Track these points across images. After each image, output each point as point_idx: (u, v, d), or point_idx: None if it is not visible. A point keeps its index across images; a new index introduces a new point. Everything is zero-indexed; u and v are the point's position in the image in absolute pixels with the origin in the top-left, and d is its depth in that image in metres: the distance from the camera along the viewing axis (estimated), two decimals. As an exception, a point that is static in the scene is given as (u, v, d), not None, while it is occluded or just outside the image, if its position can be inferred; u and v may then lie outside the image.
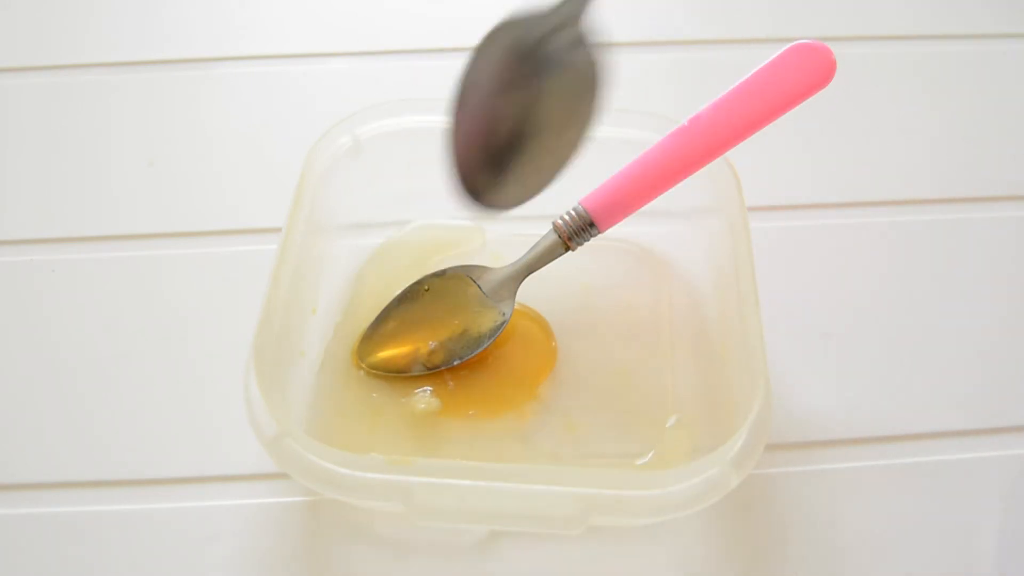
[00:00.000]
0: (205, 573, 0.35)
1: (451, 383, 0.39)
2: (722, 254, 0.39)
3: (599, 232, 0.38)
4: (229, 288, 0.44)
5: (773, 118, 0.36)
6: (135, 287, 0.44)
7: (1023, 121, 0.52)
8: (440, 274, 0.41)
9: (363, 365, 0.39)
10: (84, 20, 0.57)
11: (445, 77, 0.54)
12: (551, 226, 0.39)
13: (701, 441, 0.37)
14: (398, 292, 0.41)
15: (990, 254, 0.45)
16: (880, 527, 0.36)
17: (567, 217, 0.38)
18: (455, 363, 0.39)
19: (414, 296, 0.41)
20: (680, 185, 0.37)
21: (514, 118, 0.34)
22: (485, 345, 0.39)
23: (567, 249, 0.39)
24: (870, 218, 0.47)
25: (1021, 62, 0.55)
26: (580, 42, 0.33)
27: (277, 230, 0.37)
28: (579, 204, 0.38)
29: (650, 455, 0.37)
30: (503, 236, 0.44)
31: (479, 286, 0.40)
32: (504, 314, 0.40)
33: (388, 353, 0.40)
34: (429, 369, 0.39)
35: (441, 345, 0.40)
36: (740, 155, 0.38)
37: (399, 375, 0.39)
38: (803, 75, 0.36)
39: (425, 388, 0.39)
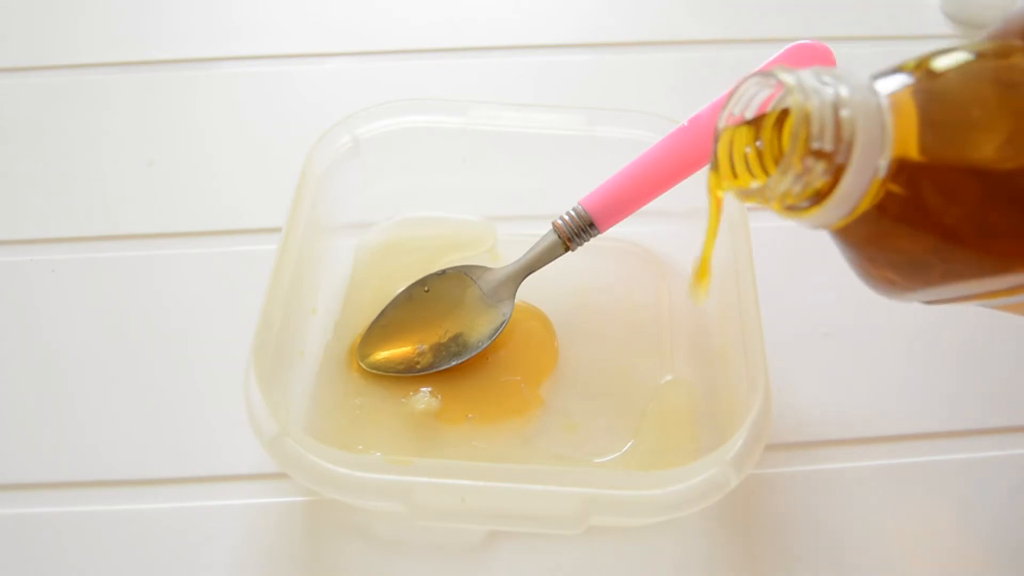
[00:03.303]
0: (205, 573, 0.35)
1: (450, 385, 0.39)
2: (722, 254, 0.39)
3: (599, 232, 0.38)
4: (229, 288, 0.44)
5: (773, 118, 0.36)
6: (135, 287, 0.44)
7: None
8: (440, 274, 0.41)
9: (363, 365, 0.39)
10: (85, 20, 0.57)
11: (445, 77, 0.54)
12: (551, 226, 0.39)
13: (701, 440, 0.37)
14: (398, 292, 0.41)
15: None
16: (880, 527, 0.36)
17: (567, 217, 0.38)
18: (454, 363, 0.39)
19: (414, 296, 0.41)
20: (680, 185, 0.37)
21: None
22: (484, 345, 0.39)
23: (567, 249, 0.39)
24: (870, 218, 0.47)
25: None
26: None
27: (277, 230, 0.37)
28: (579, 204, 0.38)
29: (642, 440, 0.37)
30: (504, 236, 0.44)
31: (479, 286, 0.40)
32: (504, 314, 0.40)
33: (388, 353, 0.40)
34: (428, 369, 0.39)
35: (440, 345, 0.40)
36: (740, 155, 0.38)
37: (399, 375, 0.39)
38: (803, 75, 0.36)
39: (425, 388, 0.39)
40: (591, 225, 0.38)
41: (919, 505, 0.37)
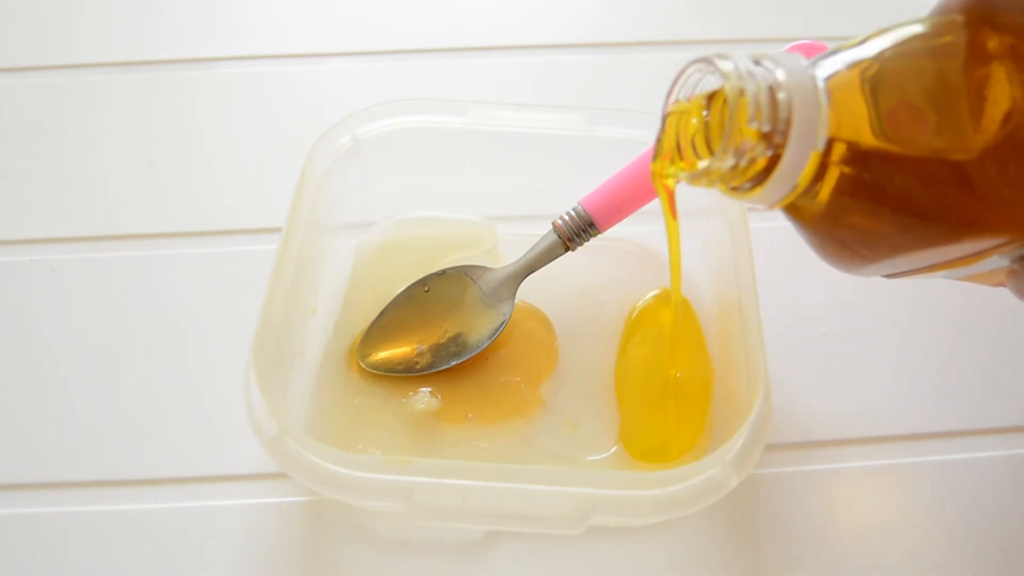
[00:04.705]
0: (205, 573, 0.35)
1: (450, 386, 0.39)
2: (722, 254, 0.39)
3: (599, 232, 0.38)
4: (229, 288, 0.44)
5: (773, 118, 0.36)
6: (135, 287, 0.44)
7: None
8: (440, 274, 0.41)
9: (363, 365, 0.39)
10: (85, 20, 0.57)
11: (445, 77, 0.54)
12: (551, 226, 0.39)
13: (701, 440, 0.37)
14: (398, 292, 0.41)
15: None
16: (879, 527, 0.36)
17: (567, 217, 0.38)
18: (454, 363, 0.39)
19: (414, 296, 0.41)
20: (680, 185, 0.37)
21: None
22: (484, 346, 0.39)
23: (567, 249, 0.39)
24: (870, 218, 0.47)
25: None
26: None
27: (277, 230, 0.37)
28: (579, 204, 0.38)
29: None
30: (504, 236, 0.44)
31: (479, 286, 0.40)
32: (504, 314, 0.40)
33: (388, 353, 0.40)
34: (428, 369, 0.39)
35: (440, 345, 0.40)
36: (740, 155, 0.38)
37: (399, 375, 0.39)
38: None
39: (425, 388, 0.39)
40: (591, 225, 0.38)
41: (919, 505, 0.37)
